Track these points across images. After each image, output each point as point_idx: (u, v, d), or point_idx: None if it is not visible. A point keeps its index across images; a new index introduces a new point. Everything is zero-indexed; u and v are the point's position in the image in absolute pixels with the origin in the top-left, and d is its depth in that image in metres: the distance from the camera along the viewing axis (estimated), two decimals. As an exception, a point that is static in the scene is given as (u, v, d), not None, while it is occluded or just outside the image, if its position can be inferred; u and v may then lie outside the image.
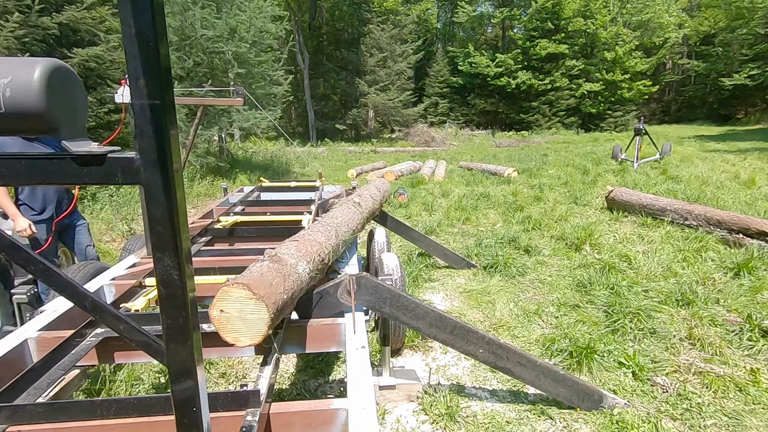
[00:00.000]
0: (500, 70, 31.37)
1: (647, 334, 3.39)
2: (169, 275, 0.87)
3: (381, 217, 4.36)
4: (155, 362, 2.64)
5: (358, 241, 3.98)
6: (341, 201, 3.47)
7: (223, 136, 12.45)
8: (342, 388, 2.96)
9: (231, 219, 3.79)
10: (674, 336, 3.36)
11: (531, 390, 2.84)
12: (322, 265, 2.25)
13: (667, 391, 2.77)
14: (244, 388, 1.50)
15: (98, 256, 4.18)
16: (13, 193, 3.67)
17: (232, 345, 1.63)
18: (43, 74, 0.93)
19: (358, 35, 29.52)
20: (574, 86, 31.20)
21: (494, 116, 33.22)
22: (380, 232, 4.04)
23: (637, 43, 31.21)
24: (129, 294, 2.44)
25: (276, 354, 1.77)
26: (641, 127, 11.80)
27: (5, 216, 3.67)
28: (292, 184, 5.68)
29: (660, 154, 11.86)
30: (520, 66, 31.52)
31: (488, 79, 31.81)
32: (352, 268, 2.80)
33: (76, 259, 3.97)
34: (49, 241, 3.68)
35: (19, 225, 3.45)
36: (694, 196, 7.41)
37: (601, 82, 31.06)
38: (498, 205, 8.05)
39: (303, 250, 2.15)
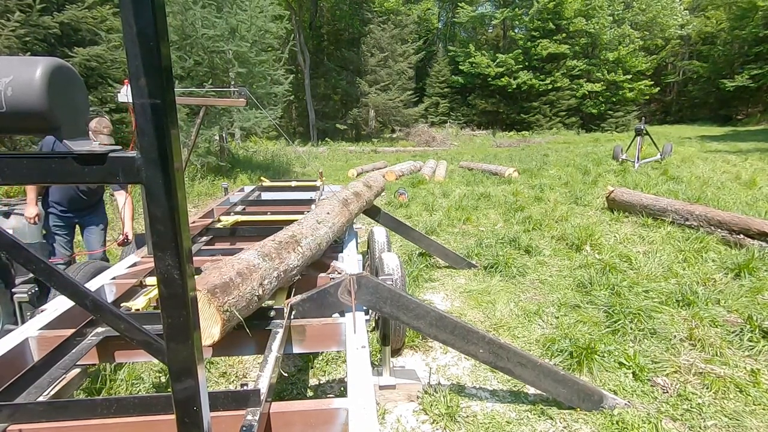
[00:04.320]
0: (501, 70, 31.33)
1: (648, 335, 3.39)
2: (169, 274, 0.87)
3: (373, 211, 4.36)
4: (156, 361, 2.64)
5: (359, 241, 3.98)
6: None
7: (223, 135, 12.45)
8: (342, 388, 2.97)
9: (231, 218, 3.79)
10: (675, 336, 3.36)
11: (531, 390, 2.84)
12: (279, 246, 2.22)
13: (667, 392, 2.77)
14: (245, 387, 1.50)
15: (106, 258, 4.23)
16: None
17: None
18: (45, 73, 0.93)
19: (358, 35, 29.49)
20: (575, 86, 31.16)
21: (495, 116, 33.18)
22: (380, 232, 4.03)
23: (641, 44, 31.16)
24: (130, 293, 2.44)
25: (276, 353, 1.77)
26: (642, 127, 11.81)
27: (6, 215, 3.70)
28: (293, 183, 5.69)
29: (661, 155, 11.86)
30: (521, 66, 31.47)
31: (489, 79, 31.77)
32: (352, 267, 2.80)
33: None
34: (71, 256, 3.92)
35: (28, 212, 3.61)
36: (694, 197, 7.41)
37: (603, 83, 31.02)
38: (498, 206, 8.05)
39: (249, 246, 2.20)
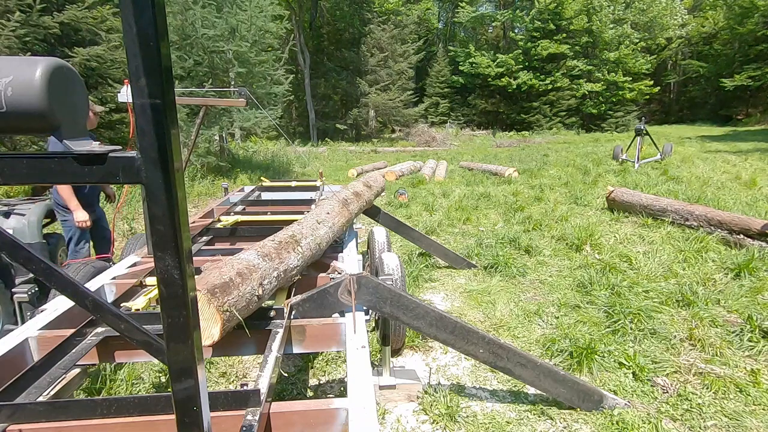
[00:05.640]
0: (501, 70, 31.32)
1: (648, 335, 3.39)
2: (169, 274, 0.87)
3: (373, 211, 4.37)
4: (156, 361, 2.64)
5: (359, 241, 3.98)
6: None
7: (223, 135, 12.45)
8: (342, 388, 2.97)
9: (231, 218, 3.79)
10: (675, 337, 3.36)
11: (531, 390, 2.84)
12: (279, 246, 2.23)
13: (667, 392, 2.77)
14: (245, 387, 1.50)
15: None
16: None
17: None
18: (45, 73, 0.93)
19: (359, 35, 29.46)
20: (575, 86, 31.14)
21: (495, 116, 33.17)
22: (380, 232, 4.03)
23: (642, 45, 31.15)
24: (130, 293, 2.44)
25: (276, 353, 1.77)
26: (642, 127, 11.81)
27: (6, 215, 3.70)
28: (293, 183, 5.68)
29: (661, 155, 11.86)
30: (521, 66, 31.47)
31: (489, 79, 31.77)
32: (352, 267, 2.80)
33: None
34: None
35: (79, 216, 3.75)
36: (694, 197, 7.41)
37: (603, 83, 31.01)
38: (498, 206, 8.05)
39: (249, 246, 2.22)
